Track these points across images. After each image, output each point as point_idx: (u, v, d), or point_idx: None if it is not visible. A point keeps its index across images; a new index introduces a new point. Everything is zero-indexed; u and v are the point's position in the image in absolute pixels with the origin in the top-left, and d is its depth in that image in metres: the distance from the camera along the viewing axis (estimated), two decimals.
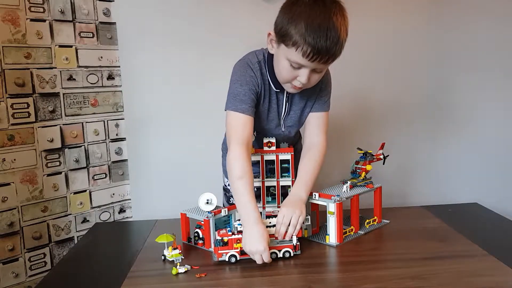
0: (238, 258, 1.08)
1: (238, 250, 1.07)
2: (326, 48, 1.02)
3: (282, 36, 1.07)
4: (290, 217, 1.11)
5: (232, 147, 1.14)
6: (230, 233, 1.09)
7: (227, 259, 1.08)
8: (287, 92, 1.21)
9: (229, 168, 1.14)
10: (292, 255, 1.09)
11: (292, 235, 1.10)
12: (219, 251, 1.07)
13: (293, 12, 1.04)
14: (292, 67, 1.09)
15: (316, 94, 1.25)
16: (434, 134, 1.99)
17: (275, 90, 1.20)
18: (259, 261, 1.05)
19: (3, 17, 1.53)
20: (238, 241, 1.07)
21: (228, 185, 1.41)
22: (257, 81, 1.17)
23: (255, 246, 1.04)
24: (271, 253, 1.08)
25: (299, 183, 1.19)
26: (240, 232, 1.10)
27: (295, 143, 1.39)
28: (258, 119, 1.22)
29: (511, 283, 0.96)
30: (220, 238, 1.08)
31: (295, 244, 1.09)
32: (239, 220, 1.15)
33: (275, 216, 1.17)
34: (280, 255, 1.09)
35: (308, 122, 1.28)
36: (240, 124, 1.15)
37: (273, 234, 1.11)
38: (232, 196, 1.34)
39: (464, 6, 1.92)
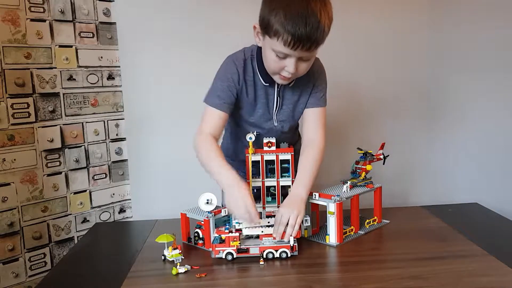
0: (235, 256, 1.09)
1: (235, 248, 1.08)
2: (306, 35, 1.02)
3: (265, 27, 1.08)
4: (288, 216, 1.10)
5: (198, 135, 1.19)
6: (227, 231, 1.10)
7: (223, 256, 1.09)
8: (278, 86, 1.22)
9: (196, 152, 1.19)
10: (289, 255, 1.09)
11: (290, 236, 1.10)
12: (216, 248, 1.09)
13: (273, 2, 1.06)
14: (278, 58, 1.09)
15: (310, 89, 1.25)
16: (434, 134, 1.99)
17: (264, 84, 1.21)
18: (247, 223, 1.09)
19: (3, 17, 1.53)
20: (235, 239, 1.08)
21: None
22: (238, 78, 1.19)
23: (238, 210, 1.09)
24: (268, 253, 1.08)
25: (298, 182, 1.19)
26: (238, 230, 1.11)
27: (295, 143, 1.38)
28: (245, 112, 1.24)
29: (511, 283, 0.96)
30: (218, 235, 1.09)
31: (292, 245, 1.09)
32: (238, 219, 1.15)
33: (275, 216, 1.18)
34: (276, 255, 1.09)
35: (305, 119, 1.28)
36: (212, 119, 1.20)
37: (270, 234, 1.11)
38: None
39: (464, 6, 1.92)
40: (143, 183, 1.90)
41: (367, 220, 1.31)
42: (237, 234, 1.09)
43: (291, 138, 1.34)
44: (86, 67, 1.75)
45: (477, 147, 2.00)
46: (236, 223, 1.14)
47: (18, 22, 1.57)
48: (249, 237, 1.14)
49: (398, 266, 1.05)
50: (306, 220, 1.17)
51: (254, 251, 1.09)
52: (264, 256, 1.09)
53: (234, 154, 1.38)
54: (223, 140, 1.42)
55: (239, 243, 1.09)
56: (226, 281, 1.02)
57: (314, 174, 1.21)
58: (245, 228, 1.13)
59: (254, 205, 1.09)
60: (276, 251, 1.09)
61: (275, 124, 1.27)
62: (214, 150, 1.16)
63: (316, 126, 1.27)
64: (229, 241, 1.09)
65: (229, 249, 1.09)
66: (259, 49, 1.19)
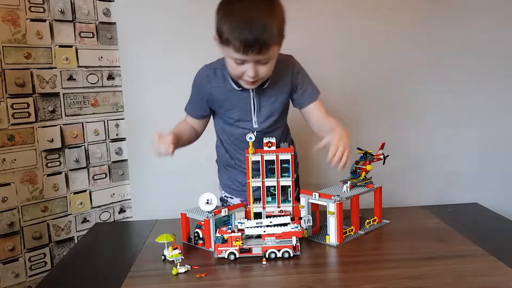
0: (237, 256, 1.09)
1: (237, 248, 1.08)
2: (253, 39, 1.06)
3: (219, 37, 1.13)
4: (343, 148, 1.11)
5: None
6: (230, 231, 1.10)
7: (226, 256, 1.09)
8: (253, 90, 1.25)
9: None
10: (291, 255, 1.09)
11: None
12: (219, 248, 1.09)
13: (221, 12, 1.12)
14: (236, 64, 1.14)
15: (289, 89, 1.29)
16: (434, 134, 1.99)
17: (237, 89, 1.25)
18: (160, 150, 1.15)
19: (3, 17, 1.53)
20: (238, 239, 1.08)
21: (225, 196, 1.44)
22: (205, 86, 1.28)
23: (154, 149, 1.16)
24: (270, 253, 1.09)
25: (333, 126, 1.23)
26: (240, 230, 1.11)
27: (285, 137, 1.40)
28: (225, 118, 1.31)
29: (511, 283, 0.96)
30: (220, 235, 1.09)
31: (294, 245, 1.10)
32: (240, 219, 1.16)
33: (275, 216, 1.18)
34: (279, 255, 1.09)
35: (310, 116, 1.33)
36: (183, 121, 1.37)
37: (273, 234, 1.12)
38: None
39: (464, 6, 1.92)
40: (143, 183, 1.90)
41: (367, 220, 1.30)
42: (240, 234, 1.09)
43: (277, 133, 1.34)
44: (86, 67, 1.75)
45: (477, 147, 2.00)
46: (238, 223, 1.14)
47: (18, 22, 1.57)
48: (249, 237, 1.14)
49: (398, 266, 1.05)
50: (308, 219, 1.17)
51: (256, 251, 1.09)
52: (267, 256, 1.09)
53: (237, 160, 1.38)
54: (221, 153, 1.44)
55: (242, 243, 1.09)
56: (226, 281, 1.02)
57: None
58: (247, 228, 1.13)
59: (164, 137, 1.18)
60: (279, 251, 1.09)
61: (255, 126, 1.29)
62: (179, 125, 1.34)
63: (324, 115, 1.32)
64: (232, 241, 1.09)
65: (232, 249, 1.09)
66: None
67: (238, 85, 1.24)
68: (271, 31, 1.07)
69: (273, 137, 1.25)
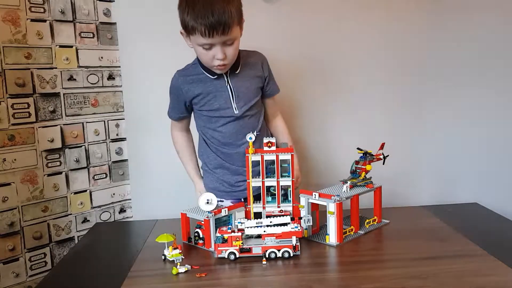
0: (237, 256, 1.09)
1: (238, 248, 1.09)
2: (216, 21, 1.18)
3: (185, 28, 1.25)
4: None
5: (172, 134, 1.55)
6: (230, 230, 1.11)
7: (226, 256, 1.09)
8: (226, 77, 1.35)
9: (174, 142, 1.55)
10: (291, 255, 1.10)
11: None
12: (219, 248, 1.09)
13: (182, 4, 1.24)
14: (205, 50, 1.25)
15: (261, 78, 1.42)
16: (434, 134, 1.99)
17: (212, 78, 1.35)
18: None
19: (4, 17, 1.53)
20: (238, 239, 1.08)
21: None
22: (179, 91, 1.39)
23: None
24: (270, 253, 1.09)
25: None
26: (240, 230, 1.11)
27: (260, 126, 1.46)
28: (207, 106, 1.38)
29: (511, 283, 0.96)
30: (221, 235, 1.09)
31: (294, 245, 1.10)
32: (240, 218, 1.16)
33: (275, 216, 1.18)
34: (279, 254, 1.09)
35: (268, 106, 1.50)
36: (172, 125, 1.53)
37: (273, 234, 1.12)
38: None
39: (465, 6, 1.92)
40: (143, 183, 1.90)
41: (367, 220, 1.31)
42: (240, 234, 1.10)
43: (254, 122, 1.42)
44: (87, 67, 1.76)
45: (477, 147, 2.00)
46: (238, 222, 1.14)
47: (19, 22, 1.57)
48: (249, 236, 1.14)
49: (398, 266, 1.05)
50: (308, 219, 1.17)
51: (256, 250, 1.10)
52: (267, 256, 1.09)
53: (226, 158, 1.43)
54: (207, 157, 1.48)
55: (242, 243, 1.09)
56: (226, 280, 1.02)
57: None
58: (247, 227, 1.13)
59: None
60: (279, 250, 1.09)
61: (236, 112, 1.36)
62: (188, 153, 1.53)
63: (276, 106, 1.52)
64: (232, 241, 1.09)
65: (232, 249, 1.09)
66: None
67: (213, 74, 1.35)
68: (231, 12, 1.19)
69: (254, 122, 1.41)
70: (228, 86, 1.36)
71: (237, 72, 1.37)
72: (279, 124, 1.53)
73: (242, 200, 1.39)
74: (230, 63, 1.30)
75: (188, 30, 1.24)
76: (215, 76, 1.35)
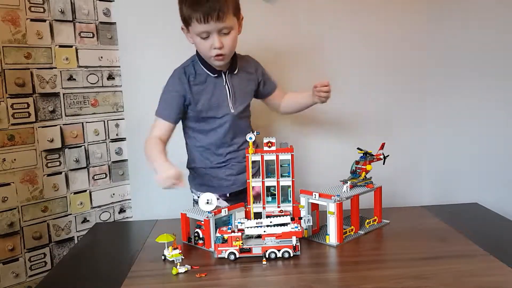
0: (237, 256, 1.09)
1: (238, 248, 1.09)
2: (211, 7, 1.23)
3: (184, 20, 1.31)
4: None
5: (147, 139, 1.36)
6: (230, 231, 1.11)
7: (226, 256, 1.09)
8: (225, 77, 1.39)
9: (144, 151, 1.35)
10: (291, 255, 1.09)
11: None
12: (219, 248, 1.09)
13: None
14: (203, 39, 1.29)
15: (257, 80, 1.48)
16: (434, 134, 1.99)
17: (212, 75, 1.38)
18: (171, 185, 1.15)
19: (3, 17, 1.53)
20: (238, 239, 1.08)
21: (198, 197, 1.43)
22: (181, 86, 1.37)
23: (166, 173, 1.15)
24: (270, 253, 1.09)
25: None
26: (240, 230, 1.11)
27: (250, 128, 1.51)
28: (204, 104, 1.38)
29: (511, 283, 0.96)
30: (221, 235, 1.09)
31: (294, 245, 1.10)
32: (240, 218, 1.16)
33: (276, 216, 1.18)
34: (279, 255, 1.09)
35: (278, 102, 1.56)
36: (157, 127, 1.38)
37: (273, 234, 1.12)
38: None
39: (465, 6, 1.92)
40: (143, 183, 1.89)
41: (367, 220, 1.31)
42: (240, 234, 1.10)
43: (246, 123, 1.48)
44: (86, 67, 1.76)
45: (477, 147, 2.00)
46: (238, 222, 1.14)
47: (18, 22, 1.57)
48: (249, 237, 1.14)
49: (398, 266, 1.05)
50: (308, 219, 1.17)
51: (256, 251, 1.10)
52: (267, 256, 1.09)
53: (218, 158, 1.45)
54: (196, 160, 1.48)
55: (242, 243, 1.09)
56: (226, 280, 1.02)
57: None
58: (247, 228, 1.13)
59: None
60: (279, 250, 1.09)
61: (232, 110, 1.40)
62: (156, 147, 1.31)
63: (283, 92, 1.57)
64: (232, 241, 1.09)
65: (232, 249, 1.09)
66: (197, 52, 1.40)
67: (213, 72, 1.38)
68: (226, 0, 1.25)
69: (246, 123, 1.47)
70: (226, 86, 1.40)
71: (235, 72, 1.41)
72: (290, 93, 1.57)
73: (228, 195, 1.44)
74: (228, 54, 1.33)
75: (186, 20, 1.29)
76: (215, 75, 1.38)
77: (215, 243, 1.11)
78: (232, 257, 1.09)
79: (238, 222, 1.14)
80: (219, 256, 1.09)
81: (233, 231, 1.11)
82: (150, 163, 1.28)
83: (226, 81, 1.40)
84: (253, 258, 1.10)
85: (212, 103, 1.38)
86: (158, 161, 1.23)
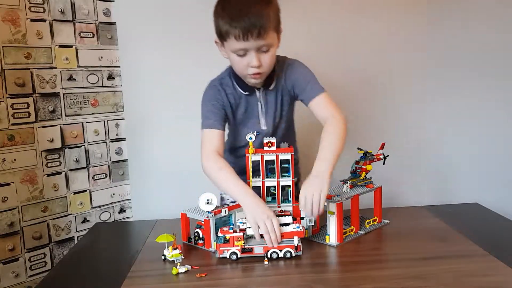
0: (239, 256, 1.09)
1: (239, 248, 1.08)
2: (252, 23, 1.12)
3: (220, 35, 1.19)
4: (311, 196, 1.10)
5: (203, 160, 1.25)
6: (232, 231, 1.10)
7: (228, 256, 1.09)
8: (259, 93, 1.29)
9: (207, 174, 1.24)
10: (293, 255, 1.09)
11: (318, 211, 1.10)
12: (220, 248, 1.09)
13: (217, 9, 1.18)
14: (240, 57, 1.18)
15: (291, 89, 1.29)
16: (434, 134, 1.99)
17: (245, 94, 1.29)
18: (266, 232, 1.08)
19: (3, 17, 1.53)
20: (239, 239, 1.08)
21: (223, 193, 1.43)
22: (220, 96, 1.28)
23: (264, 212, 1.11)
24: (272, 253, 1.09)
25: (318, 158, 1.17)
26: (242, 230, 1.11)
27: (292, 141, 1.42)
28: (240, 123, 1.32)
29: (511, 283, 0.96)
30: (222, 235, 1.09)
31: (296, 245, 1.10)
32: (241, 218, 1.15)
33: (276, 216, 1.18)
34: (281, 255, 1.09)
35: (313, 112, 1.28)
36: (207, 140, 1.27)
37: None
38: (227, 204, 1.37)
39: (465, 6, 1.92)
40: (143, 183, 1.90)
41: (367, 220, 1.31)
42: (241, 234, 1.09)
43: (282, 132, 1.37)
44: (86, 67, 1.75)
45: (477, 147, 2.00)
46: (240, 222, 1.14)
47: (18, 22, 1.57)
48: (249, 236, 1.14)
49: (398, 266, 1.05)
50: (310, 219, 1.17)
51: (258, 251, 1.10)
52: (269, 256, 1.09)
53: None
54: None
55: (243, 243, 1.09)
56: (226, 280, 1.02)
57: (335, 145, 1.18)
58: (249, 227, 1.13)
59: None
60: (280, 251, 1.09)
61: (264, 128, 1.32)
62: (227, 168, 1.21)
63: (325, 107, 1.26)
64: (234, 241, 1.09)
65: (234, 249, 1.09)
66: (231, 67, 1.29)
67: (245, 89, 1.28)
68: (268, 15, 1.14)
69: (282, 133, 1.33)
70: (259, 103, 1.30)
71: (270, 88, 1.29)
72: (323, 133, 1.22)
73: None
74: (265, 73, 1.22)
75: (222, 35, 1.17)
76: (247, 93, 1.29)
77: (217, 243, 1.11)
78: (234, 257, 1.09)
79: (240, 222, 1.14)
80: (221, 256, 1.09)
81: (235, 231, 1.11)
82: (229, 192, 1.23)
83: (259, 99, 1.30)
84: (254, 258, 1.09)
85: (244, 118, 1.32)
86: (248, 196, 1.16)
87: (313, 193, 1.10)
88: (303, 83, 1.27)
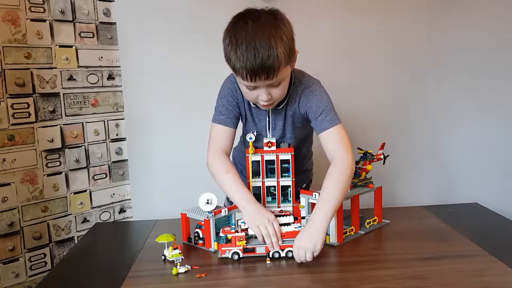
0: (241, 256, 1.09)
1: (241, 247, 1.08)
2: (259, 67, 1.04)
3: (228, 64, 1.12)
4: (304, 252, 1.05)
5: (209, 156, 1.24)
6: (234, 231, 1.11)
7: (230, 256, 1.09)
8: (268, 109, 1.24)
9: (211, 172, 1.23)
10: None
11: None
12: (222, 248, 1.09)
13: (227, 39, 1.10)
14: (249, 90, 1.13)
15: (305, 111, 1.22)
16: (434, 134, 1.99)
17: (253, 105, 1.24)
18: (267, 236, 1.08)
19: (3, 17, 1.53)
20: (241, 239, 1.08)
21: None
22: (236, 94, 1.23)
23: (265, 216, 1.10)
24: (274, 252, 1.09)
25: (317, 207, 1.12)
26: (244, 230, 1.11)
27: (307, 161, 1.42)
28: (251, 125, 1.28)
29: (511, 283, 0.96)
30: (224, 235, 1.09)
31: None
32: (241, 218, 1.16)
33: (278, 216, 1.18)
34: (283, 254, 1.09)
35: (322, 144, 1.22)
36: (217, 135, 1.24)
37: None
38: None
39: (465, 6, 1.92)
40: (143, 183, 1.90)
41: (367, 220, 1.31)
42: (243, 234, 1.10)
43: (299, 155, 1.32)
44: (86, 67, 1.75)
45: (476, 147, 2.00)
46: (242, 222, 1.14)
47: (18, 22, 1.57)
48: (250, 236, 1.14)
49: (398, 266, 1.05)
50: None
51: (260, 250, 1.10)
52: (270, 256, 1.09)
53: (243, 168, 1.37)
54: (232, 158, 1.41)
55: (245, 243, 1.09)
56: (226, 281, 1.02)
57: (338, 192, 1.12)
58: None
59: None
60: (282, 250, 1.09)
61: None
62: (231, 172, 1.20)
63: (333, 143, 1.18)
64: (235, 241, 1.09)
65: (235, 249, 1.09)
66: None
67: (254, 103, 1.22)
68: (278, 55, 1.05)
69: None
70: (267, 118, 1.26)
71: (280, 107, 1.23)
72: (328, 174, 1.15)
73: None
74: (276, 102, 1.18)
75: (230, 66, 1.12)
76: (255, 105, 1.24)
77: (218, 243, 1.11)
78: (235, 257, 1.09)
79: (242, 222, 1.14)
80: (223, 256, 1.09)
81: (237, 231, 1.11)
82: (231, 197, 1.20)
83: (268, 114, 1.25)
84: (256, 258, 1.10)
85: (252, 127, 1.29)
86: (249, 203, 1.15)
87: (306, 251, 1.04)
88: (317, 111, 1.19)
